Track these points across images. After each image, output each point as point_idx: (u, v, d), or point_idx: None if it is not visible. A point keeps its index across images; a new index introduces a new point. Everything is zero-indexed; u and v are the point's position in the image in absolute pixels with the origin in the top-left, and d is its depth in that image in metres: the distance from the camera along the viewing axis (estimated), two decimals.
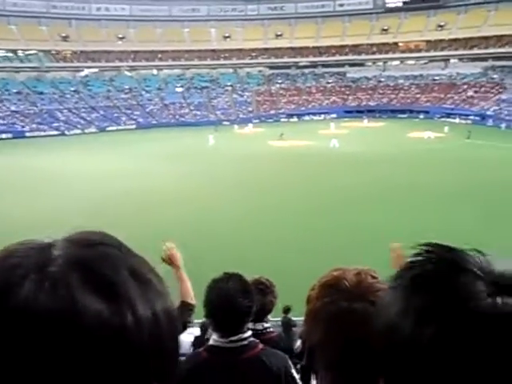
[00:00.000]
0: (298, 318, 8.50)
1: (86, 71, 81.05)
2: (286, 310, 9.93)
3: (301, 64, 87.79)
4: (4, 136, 59.93)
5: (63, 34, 79.11)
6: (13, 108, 68.30)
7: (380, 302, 0.76)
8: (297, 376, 2.48)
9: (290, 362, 2.55)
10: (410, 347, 0.62)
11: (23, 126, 64.78)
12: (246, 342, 2.41)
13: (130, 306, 0.54)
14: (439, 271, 0.65)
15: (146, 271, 0.60)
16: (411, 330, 0.62)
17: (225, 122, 71.91)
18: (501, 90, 68.76)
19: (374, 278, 1.25)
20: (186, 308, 3.27)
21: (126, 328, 0.53)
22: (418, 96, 76.63)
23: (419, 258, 0.67)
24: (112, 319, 0.52)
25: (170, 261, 3.36)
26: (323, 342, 1.19)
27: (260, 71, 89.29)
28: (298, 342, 4.96)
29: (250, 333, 2.47)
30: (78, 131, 66.41)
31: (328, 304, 1.20)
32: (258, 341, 2.54)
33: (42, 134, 63.15)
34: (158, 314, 0.57)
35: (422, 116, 69.97)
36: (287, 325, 9.08)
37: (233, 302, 2.34)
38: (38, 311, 0.50)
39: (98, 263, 0.56)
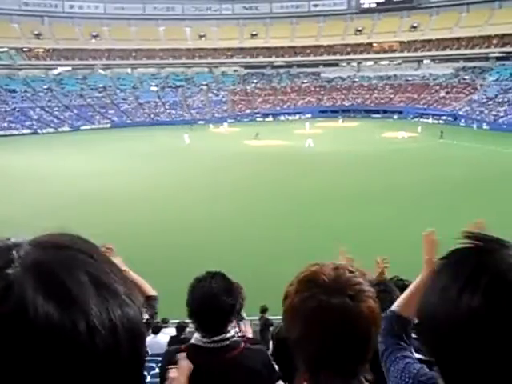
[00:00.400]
0: (275, 317, 8.57)
1: (59, 69, 79.89)
2: (263, 310, 10.01)
3: (276, 64, 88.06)
4: None
5: (35, 32, 77.87)
6: None
7: (431, 277, 0.81)
8: (278, 369, 2.48)
9: (270, 357, 2.55)
10: (458, 312, 0.69)
11: None
12: (228, 342, 2.38)
13: (83, 312, 0.53)
14: (484, 248, 0.73)
15: (112, 279, 0.59)
16: (459, 295, 0.69)
17: (200, 121, 71.64)
18: (472, 91, 70.03)
19: (351, 272, 1.26)
20: (152, 300, 3.33)
21: (78, 334, 0.52)
22: (392, 96, 77.55)
23: (464, 245, 0.76)
24: (63, 324, 0.51)
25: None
26: (302, 337, 1.19)
27: (235, 71, 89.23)
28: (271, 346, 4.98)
29: (232, 332, 2.45)
30: (51, 130, 65.50)
31: (307, 299, 1.20)
32: (240, 340, 2.53)
33: (15, 132, 62.09)
34: (116, 323, 0.55)
35: (395, 116, 70.81)
36: (264, 324, 9.16)
37: (217, 301, 2.31)
38: None
39: (56, 267, 0.55)
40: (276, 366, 2.51)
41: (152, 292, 3.39)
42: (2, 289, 0.51)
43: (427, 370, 1.79)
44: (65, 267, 0.56)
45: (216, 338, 2.36)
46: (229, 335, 2.41)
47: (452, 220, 20.27)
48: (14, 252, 0.56)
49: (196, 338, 2.43)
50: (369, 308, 1.19)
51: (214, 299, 2.31)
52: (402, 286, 3.10)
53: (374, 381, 1.28)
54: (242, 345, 2.47)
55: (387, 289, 3.13)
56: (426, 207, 22.68)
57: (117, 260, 3.24)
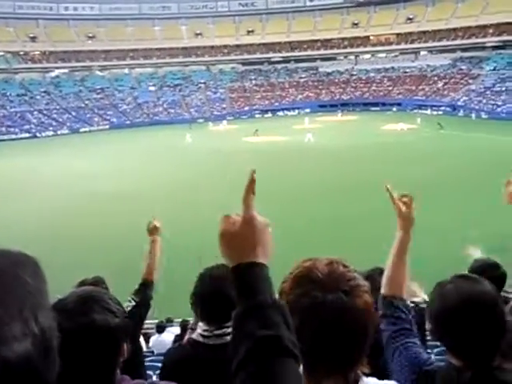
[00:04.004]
0: None
1: (56, 72, 79.80)
2: None
3: (273, 60, 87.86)
4: None
5: (31, 35, 77.73)
6: None
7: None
8: None
9: None
10: None
11: None
12: (228, 338, 2.36)
13: None
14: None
15: None
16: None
17: (199, 120, 71.58)
18: (470, 81, 69.87)
19: (345, 266, 1.23)
20: (149, 285, 3.43)
21: None
22: (390, 88, 77.42)
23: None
24: None
25: (152, 231, 3.77)
26: (298, 334, 1.13)
27: (233, 68, 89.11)
28: None
29: None
30: (50, 133, 65.45)
31: (301, 296, 1.18)
32: None
33: (13, 136, 62.10)
34: None
35: (394, 108, 70.59)
36: None
37: (224, 285, 2.29)
38: None
39: None
40: None
41: (151, 276, 3.54)
42: None
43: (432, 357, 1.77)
44: None
45: (217, 332, 2.34)
46: (230, 330, 2.37)
47: (457, 208, 20.31)
48: None
49: (197, 333, 2.43)
50: (365, 303, 1.17)
51: (220, 283, 2.31)
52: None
53: (370, 373, 1.28)
54: None
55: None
56: (429, 197, 22.61)
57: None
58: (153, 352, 8.02)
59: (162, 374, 2.58)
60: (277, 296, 1.24)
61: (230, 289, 2.35)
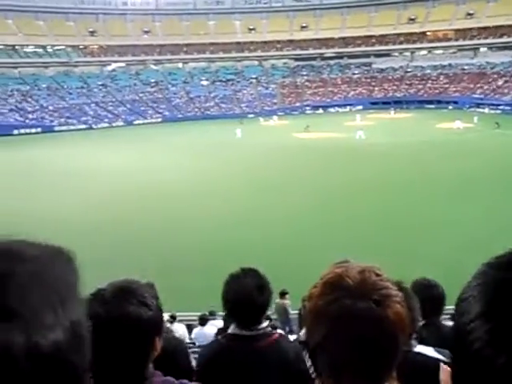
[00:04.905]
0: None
1: (113, 65, 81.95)
2: (282, 294, 10.03)
3: (326, 55, 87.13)
4: (34, 130, 61.17)
5: (90, 29, 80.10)
6: (42, 103, 69.52)
7: (461, 296, 0.72)
8: (309, 364, 2.50)
9: (303, 351, 2.57)
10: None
11: (52, 121, 65.94)
12: (261, 332, 2.46)
13: None
14: None
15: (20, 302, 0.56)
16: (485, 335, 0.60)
17: (250, 115, 71.87)
18: None
19: (377, 275, 1.21)
20: None
21: None
22: (447, 86, 75.29)
23: (504, 259, 0.66)
24: None
25: None
26: (325, 341, 1.15)
27: (285, 63, 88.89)
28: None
29: (267, 323, 2.52)
30: (106, 125, 67.37)
31: (331, 302, 1.16)
32: (274, 329, 2.59)
33: (71, 128, 64.25)
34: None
35: (450, 107, 68.71)
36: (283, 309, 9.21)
37: (249, 298, 2.37)
38: None
39: None
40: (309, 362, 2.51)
41: None
42: None
43: None
44: None
45: (251, 328, 2.45)
46: (263, 325, 2.48)
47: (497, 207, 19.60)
48: None
49: (232, 328, 2.52)
50: (395, 313, 1.14)
51: (246, 296, 2.37)
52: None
53: None
54: (277, 335, 2.51)
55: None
56: (482, 195, 21.92)
57: None
58: (194, 343, 8.22)
59: (197, 373, 2.64)
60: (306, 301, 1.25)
61: (255, 296, 2.40)
